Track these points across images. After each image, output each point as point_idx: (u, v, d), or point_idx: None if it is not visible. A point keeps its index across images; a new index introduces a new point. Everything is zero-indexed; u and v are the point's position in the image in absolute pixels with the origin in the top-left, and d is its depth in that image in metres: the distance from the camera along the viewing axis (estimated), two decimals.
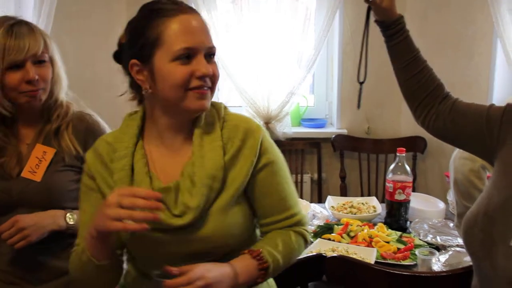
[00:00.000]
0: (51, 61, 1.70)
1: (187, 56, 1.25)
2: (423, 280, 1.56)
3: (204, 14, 3.45)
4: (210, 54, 1.30)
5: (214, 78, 1.30)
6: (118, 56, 1.39)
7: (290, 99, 3.49)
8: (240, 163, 1.34)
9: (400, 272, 1.59)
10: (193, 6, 3.49)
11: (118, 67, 3.79)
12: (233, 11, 3.53)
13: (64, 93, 1.77)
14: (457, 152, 1.81)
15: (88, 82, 3.49)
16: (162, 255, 1.31)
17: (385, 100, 3.64)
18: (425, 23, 3.54)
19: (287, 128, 3.58)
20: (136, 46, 1.29)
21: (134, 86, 1.38)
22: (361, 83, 1.63)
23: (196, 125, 1.36)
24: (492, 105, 1.38)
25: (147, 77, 1.29)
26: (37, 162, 1.68)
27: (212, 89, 1.31)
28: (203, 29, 1.29)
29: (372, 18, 1.59)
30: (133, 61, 1.30)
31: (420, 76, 1.54)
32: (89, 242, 1.25)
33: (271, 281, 1.50)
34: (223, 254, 1.32)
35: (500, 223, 1.08)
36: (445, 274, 1.58)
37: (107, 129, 1.82)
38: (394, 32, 1.55)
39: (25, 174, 1.67)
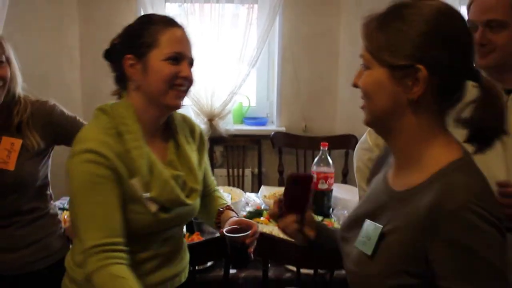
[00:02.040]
0: (8, 61, 1.87)
1: (175, 58, 1.52)
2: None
3: None
4: (191, 63, 1.59)
5: (190, 83, 1.59)
6: (108, 54, 1.62)
7: (232, 98, 3.74)
8: (201, 152, 1.75)
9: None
10: (141, 9, 3.69)
11: (69, 64, 3.99)
12: (180, 14, 3.75)
13: (20, 89, 1.93)
14: (359, 144, 2.06)
15: (38, 79, 3.63)
16: (158, 232, 1.61)
17: (321, 100, 3.94)
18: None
19: (229, 125, 3.83)
20: (133, 45, 1.53)
21: (120, 81, 1.61)
22: None
23: (173, 124, 1.66)
24: None
25: (139, 70, 1.53)
26: (7, 153, 1.83)
27: (186, 92, 1.59)
28: (189, 42, 1.58)
29: None
30: (128, 56, 1.53)
31: None
32: None
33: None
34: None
35: (354, 227, 1.32)
36: None
37: (65, 111, 2.02)
38: (320, 243, 1.51)
39: None
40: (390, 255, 1.15)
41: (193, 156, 1.67)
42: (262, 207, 2.78)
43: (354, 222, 1.32)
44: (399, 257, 1.13)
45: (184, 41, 1.56)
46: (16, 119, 1.88)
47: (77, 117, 2.05)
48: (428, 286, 1.10)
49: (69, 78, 3.86)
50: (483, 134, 1.17)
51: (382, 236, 1.18)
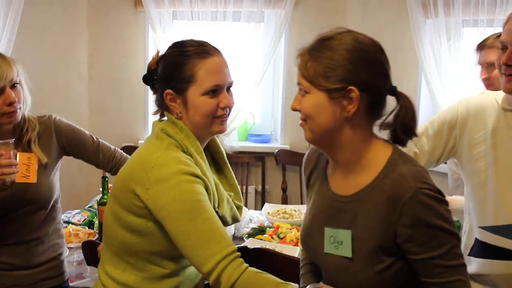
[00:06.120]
0: (20, 83, 1.92)
1: (214, 91, 1.54)
2: None
3: (159, 34, 3.72)
4: (229, 87, 1.61)
5: (231, 107, 1.61)
6: (146, 78, 1.63)
7: (237, 115, 3.77)
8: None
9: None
10: (149, 25, 3.75)
11: (77, 78, 4.06)
12: (187, 31, 3.80)
13: (28, 110, 1.99)
14: None
15: (47, 92, 3.69)
16: None
17: None
18: None
19: (234, 142, 3.86)
20: (172, 80, 1.55)
21: (161, 105, 1.62)
22: None
23: (214, 144, 1.71)
24: None
25: (180, 105, 1.56)
26: (26, 168, 1.87)
27: (229, 115, 1.61)
28: (226, 68, 1.59)
29: None
30: (168, 91, 1.56)
31: None
32: None
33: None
34: None
35: (314, 235, 1.47)
36: None
37: (69, 122, 2.08)
38: None
39: (19, 179, 1.85)
40: (367, 249, 1.34)
41: (233, 175, 1.73)
42: (265, 224, 2.80)
43: (313, 231, 1.48)
44: (374, 249, 1.34)
45: (221, 69, 1.57)
46: (26, 137, 1.94)
47: (81, 128, 2.11)
48: (401, 259, 1.34)
49: (77, 91, 3.93)
50: (403, 134, 1.38)
51: (353, 237, 1.37)
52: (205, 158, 1.58)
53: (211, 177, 1.58)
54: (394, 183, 1.31)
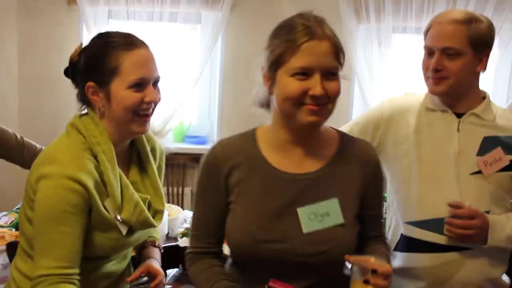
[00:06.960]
0: None
1: (139, 84, 1.47)
2: None
3: (95, 33, 3.64)
4: (156, 82, 1.55)
5: (156, 103, 1.55)
6: (68, 72, 1.56)
7: (173, 116, 3.76)
8: (160, 172, 1.76)
9: None
10: (83, 24, 3.66)
11: (6, 76, 3.92)
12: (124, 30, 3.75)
13: None
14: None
15: None
16: (116, 253, 1.63)
17: (261, 121, 3.97)
18: None
19: (169, 144, 3.84)
20: (94, 72, 1.47)
21: (83, 99, 1.56)
22: None
23: (138, 144, 1.63)
24: None
25: (102, 98, 1.48)
26: None
27: (152, 113, 1.55)
28: (153, 61, 1.53)
29: None
30: (90, 83, 1.48)
31: None
32: None
33: None
34: None
35: (273, 224, 1.43)
36: None
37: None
38: None
39: None
40: (354, 212, 1.46)
41: (158, 177, 1.65)
42: None
43: (271, 221, 1.42)
44: (358, 210, 1.46)
45: (147, 62, 1.51)
46: None
47: (4, 127, 2.04)
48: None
49: (6, 90, 3.79)
50: None
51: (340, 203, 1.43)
52: (114, 160, 1.50)
53: (117, 180, 1.50)
54: (363, 148, 1.52)
